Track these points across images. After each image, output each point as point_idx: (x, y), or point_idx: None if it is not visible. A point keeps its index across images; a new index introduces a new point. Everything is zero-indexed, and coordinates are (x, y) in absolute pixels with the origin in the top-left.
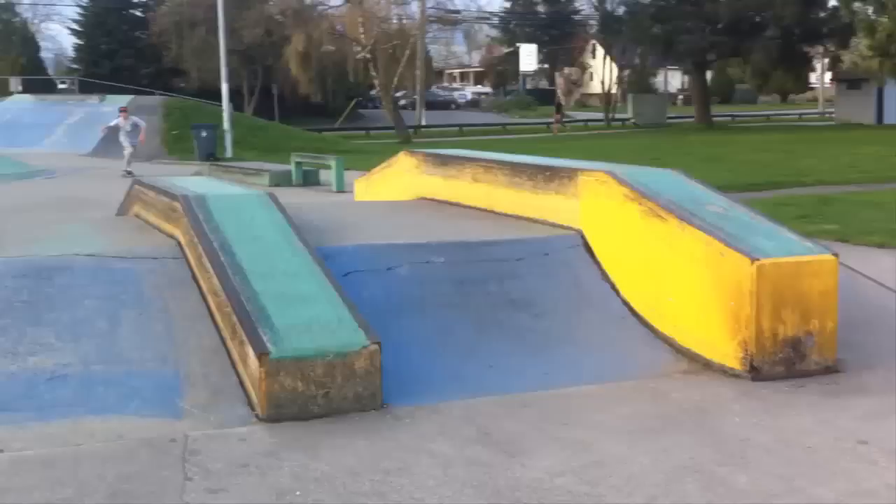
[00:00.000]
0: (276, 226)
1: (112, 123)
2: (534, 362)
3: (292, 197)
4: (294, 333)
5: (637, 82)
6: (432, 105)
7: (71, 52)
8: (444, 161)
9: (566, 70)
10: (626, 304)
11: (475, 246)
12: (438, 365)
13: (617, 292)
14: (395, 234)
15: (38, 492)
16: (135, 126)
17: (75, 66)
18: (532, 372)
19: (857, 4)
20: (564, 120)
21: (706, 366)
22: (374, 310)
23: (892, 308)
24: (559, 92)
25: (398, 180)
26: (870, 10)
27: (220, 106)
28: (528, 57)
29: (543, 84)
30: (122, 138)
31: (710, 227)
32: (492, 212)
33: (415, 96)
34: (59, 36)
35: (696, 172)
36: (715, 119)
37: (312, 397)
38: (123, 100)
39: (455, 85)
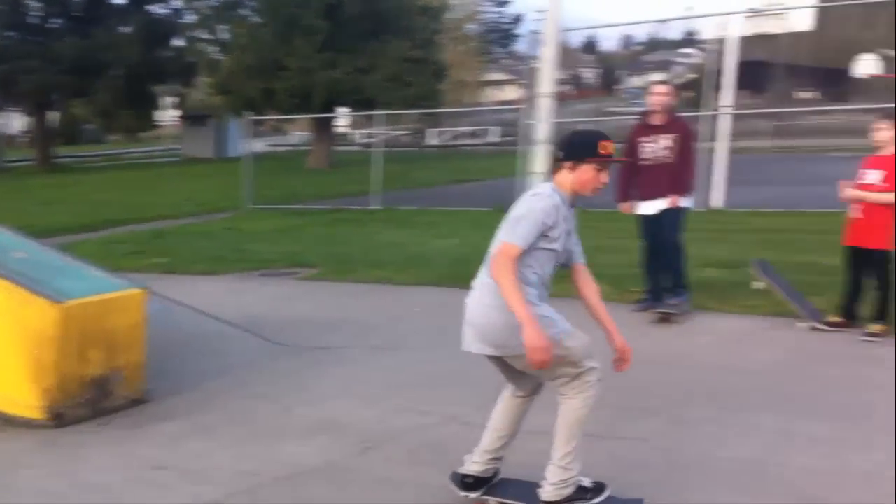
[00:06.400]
0: None
1: None
2: None
3: None
4: None
5: None
6: None
7: None
8: None
9: None
10: None
11: None
12: None
13: None
14: None
15: None
16: None
17: None
18: None
19: (201, 45)
20: None
21: (8, 422)
22: None
23: (204, 332)
24: None
25: None
26: (214, 49)
27: None
28: None
29: None
30: None
31: (12, 274)
32: None
33: None
34: None
35: (32, 217)
36: (60, 160)
37: None
38: None
39: None
